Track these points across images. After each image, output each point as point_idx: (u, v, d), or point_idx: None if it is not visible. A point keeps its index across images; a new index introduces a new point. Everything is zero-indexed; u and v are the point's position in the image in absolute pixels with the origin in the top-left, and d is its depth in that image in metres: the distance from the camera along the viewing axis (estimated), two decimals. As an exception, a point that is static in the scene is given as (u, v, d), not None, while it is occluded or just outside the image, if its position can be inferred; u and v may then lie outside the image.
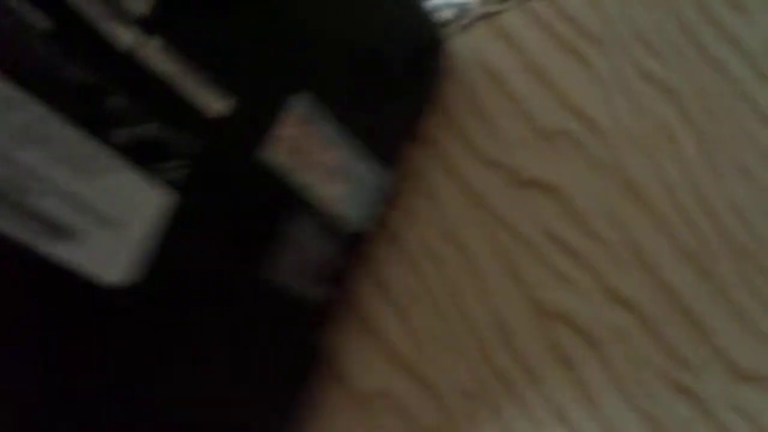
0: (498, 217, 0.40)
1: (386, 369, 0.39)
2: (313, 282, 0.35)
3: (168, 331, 0.28)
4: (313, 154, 0.33)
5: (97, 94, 0.24)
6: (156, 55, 0.26)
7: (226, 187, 0.30)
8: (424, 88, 0.41)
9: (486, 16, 0.43)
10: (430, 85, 0.41)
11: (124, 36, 0.24)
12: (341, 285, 0.38)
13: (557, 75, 0.41)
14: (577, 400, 0.37)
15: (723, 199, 0.38)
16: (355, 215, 0.37)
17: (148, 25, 0.25)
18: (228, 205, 0.30)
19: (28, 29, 0.22)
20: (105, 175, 0.25)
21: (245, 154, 0.30)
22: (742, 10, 0.40)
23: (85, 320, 0.25)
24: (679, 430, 0.35)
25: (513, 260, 0.39)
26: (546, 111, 0.41)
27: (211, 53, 0.27)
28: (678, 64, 0.40)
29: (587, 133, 0.40)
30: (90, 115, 0.24)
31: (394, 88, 0.38)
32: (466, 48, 0.43)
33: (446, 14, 0.43)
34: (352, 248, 0.38)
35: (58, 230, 0.24)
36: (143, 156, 0.26)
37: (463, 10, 0.43)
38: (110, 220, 0.25)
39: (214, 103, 0.28)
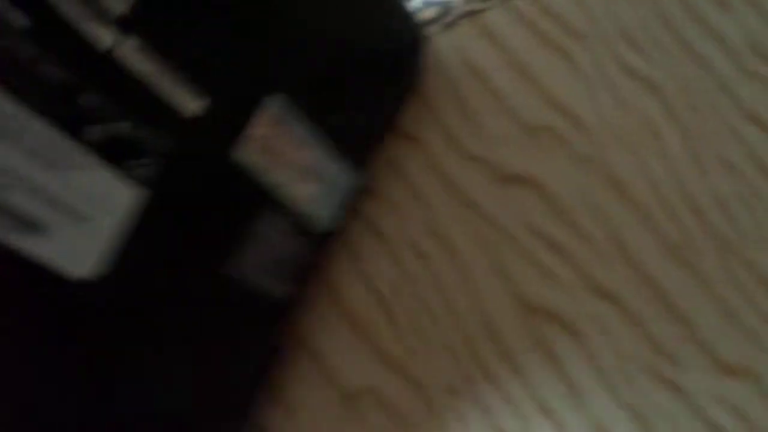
0: (482, 214, 0.40)
1: (372, 366, 0.39)
2: (281, 280, 0.36)
3: (133, 324, 0.29)
4: (286, 154, 0.33)
5: (72, 92, 0.24)
6: (132, 55, 0.26)
7: (198, 185, 0.30)
8: (404, 88, 0.41)
9: (469, 14, 0.43)
10: (411, 85, 0.42)
11: (103, 35, 0.25)
12: (309, 284, 0.38)
13: (541, 72, 0.41)
14: (562, 394, 0.37)
15: (707, 195, 0.38)
16: (326, 215, 0.37)
17: (125, 24, 0.25)
18: (199, 202, 0.30)
19: (5, 27, 0.22)
20: (76, 171, 0.25)
21: (218, 154, 0.31)
22: (726, 6, 0.40)
23: (53, 313, 0.25)
24: (664, 424, 0.35)
25: (497, 256, 0.39)
26: (530, 108, 0.41)
27: (188, 53, 0.28)
28: (662, 60, 0.40)
29: (571, 130, 0.40)
30: (64, 112, 0.24)
31: (374, 88, 0.38)
32: (450, 46, 0.43)
33: (429, 13, 0.43)
34: (322, 247, 0.38)
35: (27, 224, 0.24)
36: (115, 153, 0.26)
37: (446, 8, 0.43)
38: (80, 214, 0.26)
39: (189, 102, 0.28)
